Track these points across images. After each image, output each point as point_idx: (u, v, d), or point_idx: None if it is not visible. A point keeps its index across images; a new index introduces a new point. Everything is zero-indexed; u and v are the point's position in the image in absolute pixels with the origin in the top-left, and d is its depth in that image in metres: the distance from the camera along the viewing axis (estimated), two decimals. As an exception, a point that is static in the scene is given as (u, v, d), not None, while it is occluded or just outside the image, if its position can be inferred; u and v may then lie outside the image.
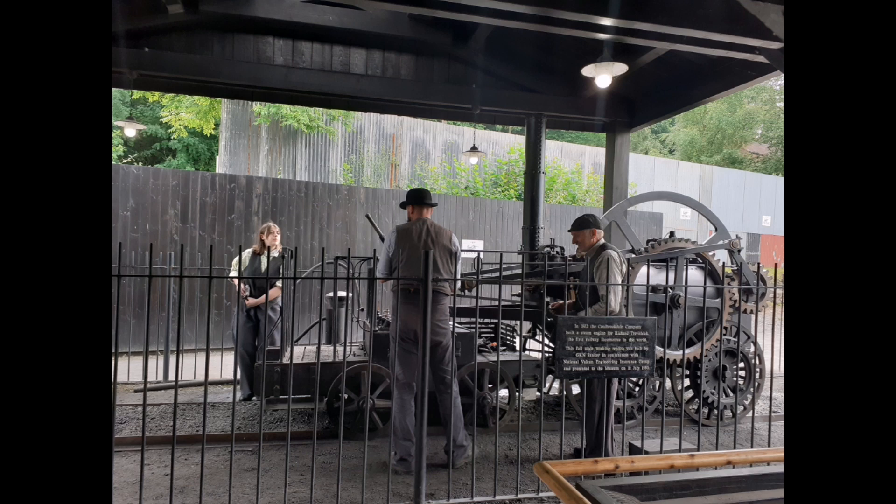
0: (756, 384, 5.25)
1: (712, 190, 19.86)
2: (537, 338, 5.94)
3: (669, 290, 4.74)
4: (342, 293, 5.37)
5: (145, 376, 3.37)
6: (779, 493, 1.84)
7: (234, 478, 3.57)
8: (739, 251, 5.19)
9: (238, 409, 5.33)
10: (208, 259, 3.48)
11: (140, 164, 19.08)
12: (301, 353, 5.19)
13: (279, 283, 5.57)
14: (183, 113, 13.77)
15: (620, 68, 5.00)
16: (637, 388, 5.19)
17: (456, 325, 4.86)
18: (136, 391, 5.93)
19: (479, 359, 4.90)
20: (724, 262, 5.08)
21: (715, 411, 5.15)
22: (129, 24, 5.50)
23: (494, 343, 5.54)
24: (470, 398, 4.33)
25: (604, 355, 3.42)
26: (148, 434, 4.33)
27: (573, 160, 17.52)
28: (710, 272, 5.20)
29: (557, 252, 5.49)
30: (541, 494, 3.63)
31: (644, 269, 4.88)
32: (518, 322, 4.69)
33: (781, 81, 20.56)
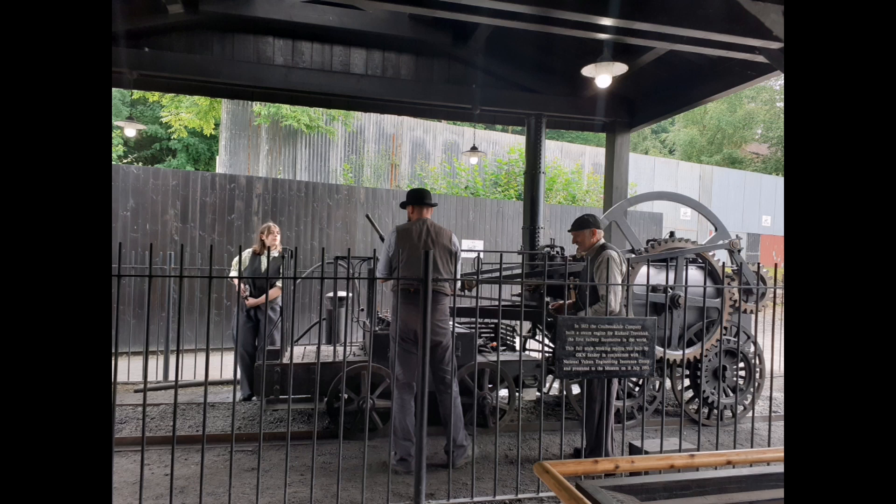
0: (756, 384, 5.25)
1: (712, 190, 19.86)
2: (537, 338, 5.93)
3: (669, 290, 4.74)
4: (342, 293, 5.37)
5: (145, 376, 3.37)
6: (779, 493, 1.84)
7: (234, 478, 3.57)
8: (739, 251, 5.19)
9: (238, 409, 5.33)
10: (208, 259, 3.48)
11: (140, 164, 19.07)
12: (301, 353, 5.19)
13: (279, 283, 5.57)
14: (183, 113, 13.77)
15: (620, 68, 5.00)
16: (637, 388, 5.19)
17: (456, 325, 4.86)
18: (136, 391, 5.93)
19: (479, 359, 4.90)
20: (724, 262, 5.08)
21: (715, 411, 5.15)
22: (129, 24, 5.50)
23: (494, 343, 5.54)
24: (470, 398, 4.33)
25: (604, 355, 3.42)
26: (148, 434, 4.33)
27: (573, 160, 17.52)
28: (710, 272, 5.20)
29: (557, 252, 5.48)
30: (541, 494, 3.63)
31: (644, 269, 4.88)
32: (518, 322, 4.69)
33: (781, 81, 20.56)
